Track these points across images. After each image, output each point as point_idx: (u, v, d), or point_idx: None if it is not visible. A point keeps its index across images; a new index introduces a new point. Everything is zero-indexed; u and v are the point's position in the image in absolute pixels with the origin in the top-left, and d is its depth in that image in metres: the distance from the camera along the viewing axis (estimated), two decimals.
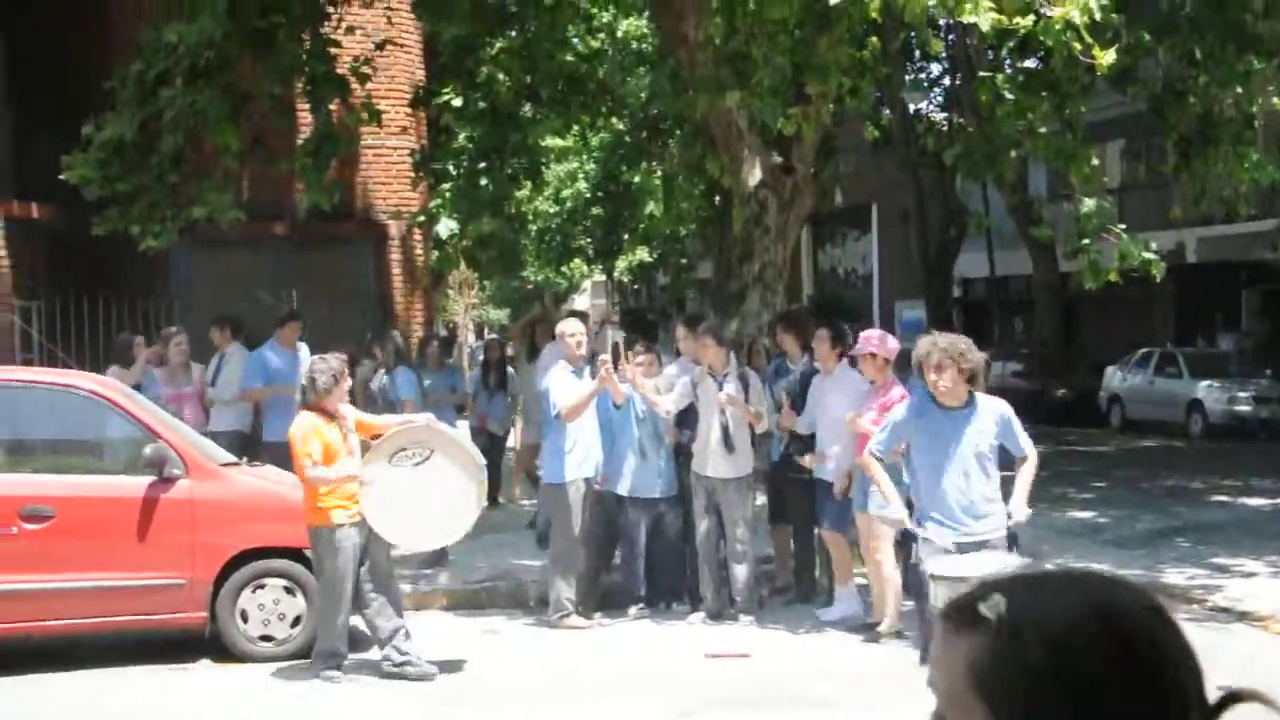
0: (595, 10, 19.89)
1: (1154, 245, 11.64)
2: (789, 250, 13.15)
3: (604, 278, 43.45)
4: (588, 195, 32.70)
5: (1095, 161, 12.25)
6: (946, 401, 6.23)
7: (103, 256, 14.23)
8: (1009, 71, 13.22)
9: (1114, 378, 25.24)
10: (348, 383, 7.93)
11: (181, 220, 11.89)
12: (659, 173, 26.28)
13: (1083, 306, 28.09)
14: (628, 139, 26.51)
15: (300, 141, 13.05)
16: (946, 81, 27.16)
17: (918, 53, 24.60)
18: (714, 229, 21.83)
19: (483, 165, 15.26)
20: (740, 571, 9.09)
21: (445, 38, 15.33)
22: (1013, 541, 6.36)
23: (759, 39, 10.56)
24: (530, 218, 31.08)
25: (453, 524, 7.78)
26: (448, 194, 15.59)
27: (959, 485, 6.19)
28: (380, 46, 13.87)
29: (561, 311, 19.44)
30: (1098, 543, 11.79)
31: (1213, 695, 1.16)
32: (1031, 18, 8.80)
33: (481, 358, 14.38)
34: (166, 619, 8.09)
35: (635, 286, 45.11)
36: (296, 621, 8.13)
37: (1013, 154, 13.65)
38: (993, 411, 6.33)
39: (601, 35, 21.63)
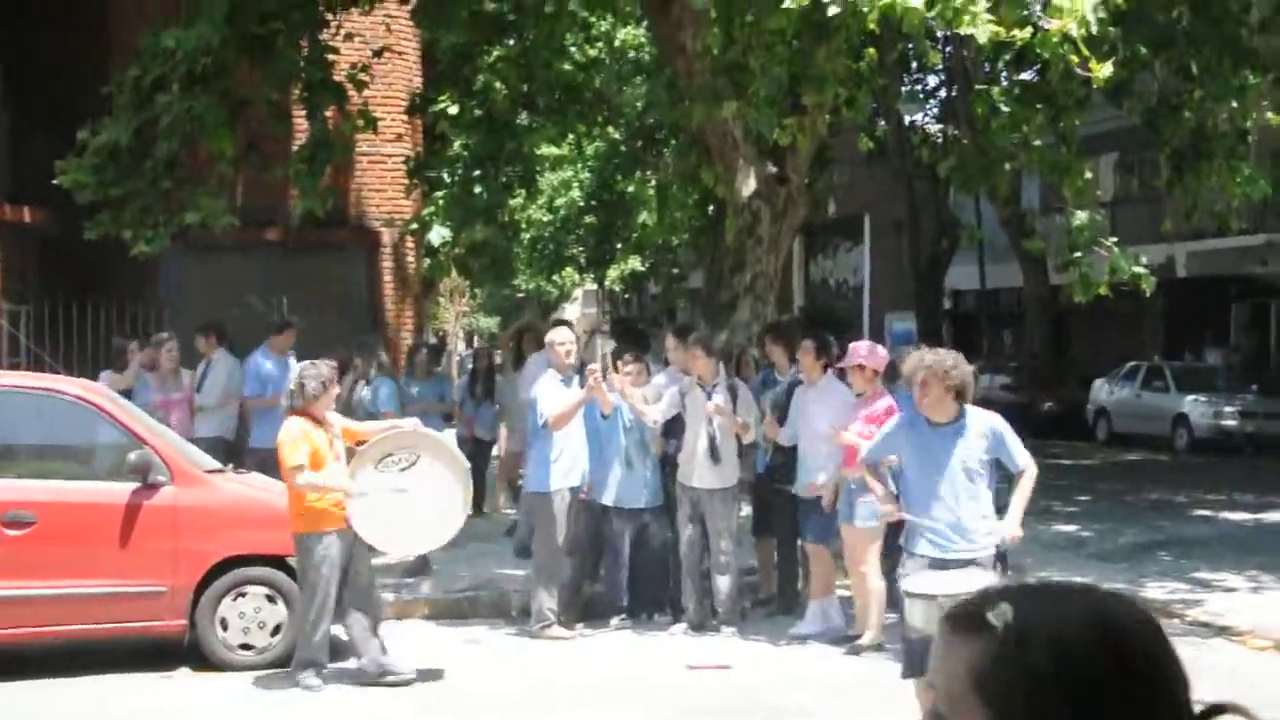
0: (593, 19, 19.90)
1: (1144, 259, 11.64)
2: (781, 261, 13.16)
3: (595, 287, 43.44)
4: (581, 204, 32.70)
5: (1089, 175, 12.26)
6: (934, 417, 6.18)
7: (94, 261, 14.20)
8: (1005, 84, 13.24)
9: (1101, 391, 25.27)
10: (336, 389, 7.91)
11: (174, 225, 11.87)
12: (653, 182, 26.29)
13: (1073, 320, 28.11)
14: (623, 148, 26.53)
15: (295, 148, 13.02)
16: (943, 93, 27.18)
17: (914, 64, 24.63)
18: (706, 239, 21.82)
19: (477, 173, 15.23)
20: (723, 583, 9.08)
21: (443, 45, 15.32)
22: (1001, 560, 6.29)
23: (756, 49, 10.55)
24: (523, 226, 31.06)
25: (440, 528, 7.78)
26: (441, 201, 15.56)
27: (947, 502, 6.13)
28: (378, 54, 13.87)
29: (550, 320, 19.43)
30: (1081, 556, 11.79)
31: (1196, 708, 1.22)
32: (1029, 30, 8.80)
33: (470, 366, 14.35)
34: (146, 626, 8.06)
35: (626, 296, 45.10)
36: (277, 630, 8.10)
37: (1006, 166, 13.66)
38: (983, 427, 6.23)
39: (599, 44, 21.64)
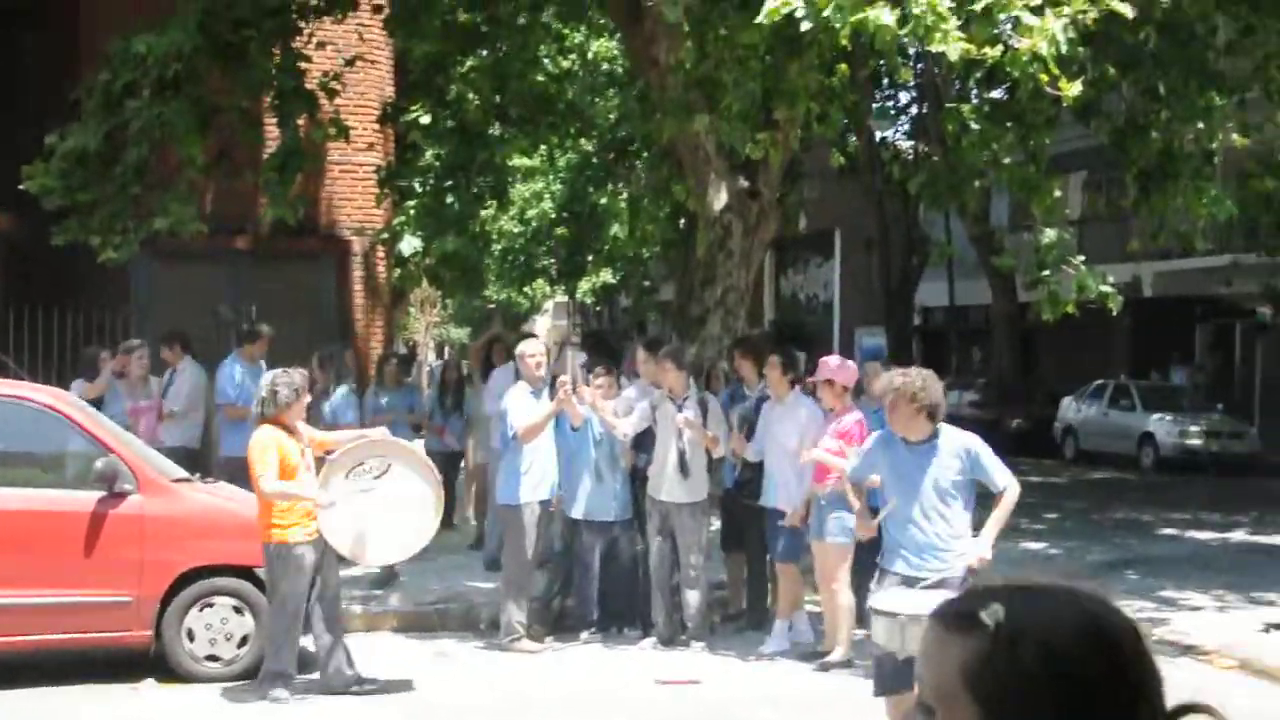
0: (566, 31, 19.92)
1: (1111, 278, 11.72)
2: (752, 275, 13.18)
3: (566, 298, 43.42)
4: (553, 216, 32.69)
5: (1058, 193, 12.35)
6: (908, 437, 6.18)
7: (61, 267, 14.08)
8: (976, 102, 13.32)
9: (1069, 409, 25.43)
10: (307, 398, 7.88)
11: (143, 232, 11.78)
12: (625, 195, 26.34)
13: (1041, 337, 28.33)
14: (595, 160, 26.57)
15: (266, 155, 12.97)
16: (914, 110, 27.36)
17: (886, 81, 24.79)
18: (678, 252, 21.86)
19: (449, 183, 15.22)
20: (692, 597, 9.08)
21: (416, 55, 15.30)
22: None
23: (729, 63, 10.59)
24: (495, 237, 31.02)
25: (413, 537, 7.76)
26: (412, 211, 15.54)
27: (918, 521, 6.12)
28: (350, 63, 13.84)
29: (519, 332, 19.39)
30: (1049, 574, 11.83)
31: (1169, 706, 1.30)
32: (999, 49, 8.86)
33: (438, 378, 14.31)
34: (112, 637, 7.98)
35: (597, 308, 45.10)
36: (244, 641, 8.04)
37: (976, 184, 13.75)
38: (957, 447, 6.18)
39: (572, 56, 21.67)
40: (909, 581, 5.99)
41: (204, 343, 13.87)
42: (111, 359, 11.39)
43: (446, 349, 43.47)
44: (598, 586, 9.41)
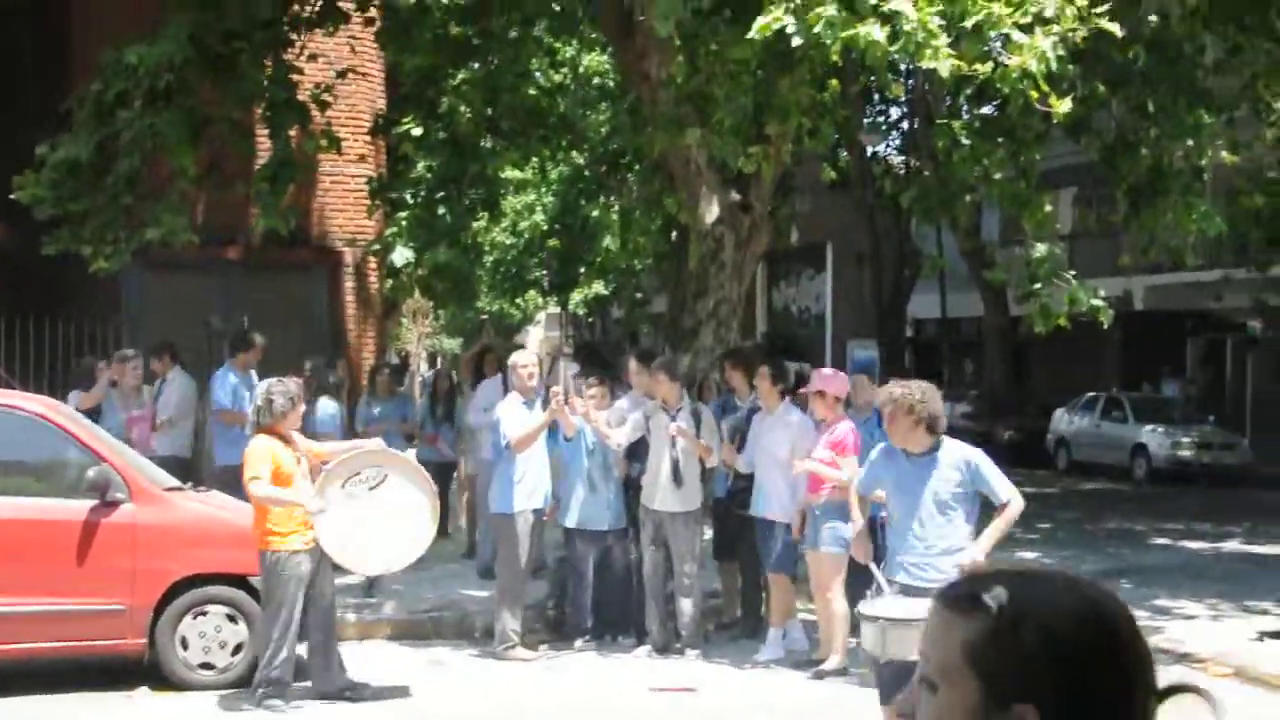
0: (558, 45, 19.97)
1: (1102, 292, 11.79)
2: (744, 287, 13.23)
3: (558, 310, 43.44)
4: (544, 228, 32.73)
5: (1049, 208, 12.42)
6: (908, 449, 6.22)
7: (53, 277, 14.07)
8: (966, 118, 13.41)
9: (1061, 420, 25.53)
10: (302, 407, 7.91)
11: (135, 242, 11.79)
12: (616, 207, 26.38)
13: (1032, 350, 28.41)
14: (586, 173, 26.61)
15: (258, 166, 12.99)
16: (905, 125, 27.46)
17: (877, 96, 24.89)
18: (670, 264, 21.89)
19: (440, 195, 15.24)
20: (686, 605, 9.10)
21: (407, 68, 15.34)
22: None
23: (720, 78, 10.64)
24: (487, 249, 31.05)
25: (408, 547, 7.78)
26: (404, 222, 15.56)
27: (918, 533, 6.15)
28: (342, 75, 13.86)
29: (511, 343, 19.42)
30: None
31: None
32: (990, 65, 8.93)
33: (430, 388, 14.33)
34: (105, 645, 7.97)
35: (590, 319, 45.14)
36: (238, 649, 8.03)
37: (968, 198, 13.83)
38: (957, 459, 6.17)
39: (564, 70, 21.72)
40: (909, 592, 6.00)
41: (195, 353, 13.87)
42: (108, 369, 11.41)
43: (439, 359, 43.46)
44: (592, 595, 9.43)
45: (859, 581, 8.39)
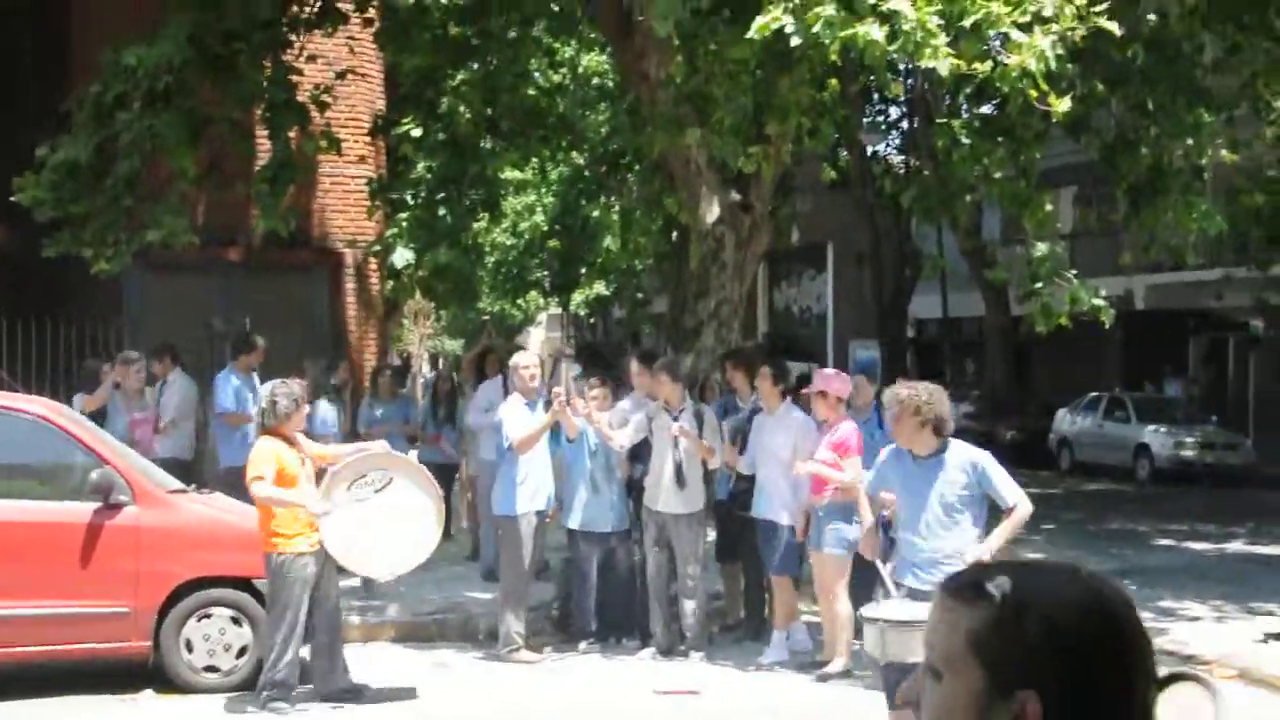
0: (557, 46, 19.96)
1: (1103, 291, 11.79)
2: (745, 287, 13.22)
3: (560, 310, 43.43)
4: (545, 228, 32.73)
5: (1049, 207, 12.41)
6: (914, 451, 6.21)
7: (53, 279, 14.07)
8: (966, 117, 13.40)
9: (1064, 421, 25.51)
10: (306, 408, 7.92)
11: (135, 243, 11.79)
12: (617, 207, 26.35)
13: (1034, 349, 28.39)
14: (586, 173, 26.60)
15: (258, 167, 12.99)
16: (904, 125, 27.45)
17: (876, 96, 24.88)
18: (671, 264, 21.87)
19: (440, 196, 15.24)
20: (690, 607, 9.09)
21: (407, 69, 15.33)
22: None
23: (719, 78, 10.64)
24: (487, 249, 31.03)
25: (414, 550, 7.80)
26: (404, 223, 15.56)
27: (925, 535, 6.13)
28: (341, 76, 13.86)
29: (512, 344, 19.41)
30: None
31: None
32: (989, 64, 8.92)
33: (431, 389, 14.33)
34: (110, 648, 7.97)
35: (591, 320, 45.13)
36: (242, 652, 8.03)
37: (968, 198, 13.82)
38: (964, 461, 6.13)
39: (563, 70, 21.71)
40: (916, 595, 5.98)
41: (197, 355, 13.88)
42: (112, 371, 11.42)
43: (441, 361, 43.54)
44: (596, 597, 9.43)
45: (864, 582, 8.42)
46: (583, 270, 33.79)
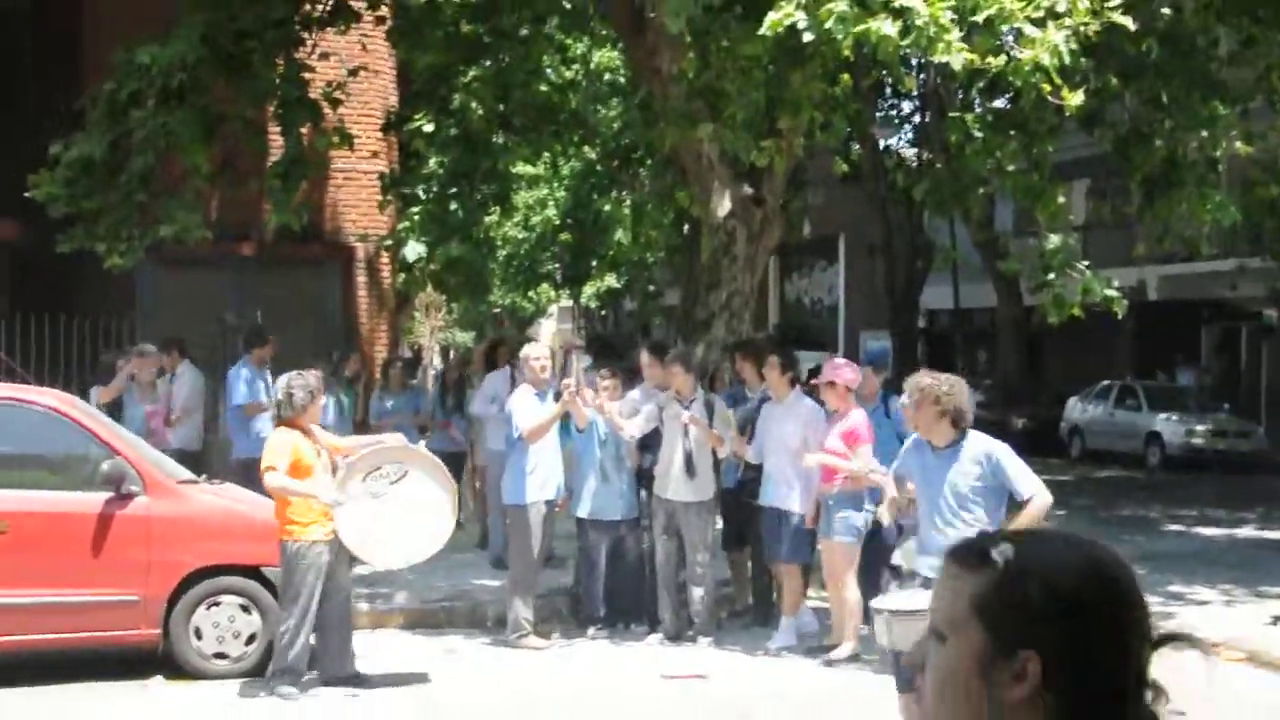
0: (569, 42, 19.97)
1: (1116, 282, 11.77)
2: (756, 280, 13.22)
3: (571, 303, 43.48)
4: (557, 222, 32.76)
5: (1061, 200, 12.38)
6: (932, 441, 6.23)
7: (66, 274, 14.15)
8: (979, 111, 13.37)
9: (1075, 409, 25.50)
10: (323, 399, 7.98)
11: (149, 239, 11.85)
12: (628, 201, 26.37)
13: (1046, 340, 28.37)
14: (598, 167, 26.60)
15: (270, 163, 13.04)
16: (917, 119, 27.41)
17: (889, 90, 24.84)
18: (682, 257, 21.92)
19: (452, 190, 15.27)
20: (698, 594, 9.14)
21: (419, 66, 15.36)
22: None
23: (732, 74, 10.64)
24: (499, 243, 31.07)
25: (428, 542, 7.87)
26: (416, 218, 15.60)
27: (940, 526, 6.15)
28: (354, 73, 13.89)
29: (524, 335, 19.45)
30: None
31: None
32: (1002, 58, 8.91)
33: (439, 379, 14.40)
34: (120, 636, 8.04)
35: (602, 312, 45.18)
36: (251, 639, 8.11)
37: (981, 191, 13.79)
38: (978, 452, 6.14)
39: (575, 66, 21.72)
40: (929, 585, 6.00)
41: (210, 349, 13.95)
42: (127, 363, 11.50)
43: (451, 353, 43.68)
44: (605, 584, 9.48)
45: (870, 570, 8.46)
46: (594, 263, 33.83)
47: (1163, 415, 23.44)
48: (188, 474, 8.75)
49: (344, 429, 10.86)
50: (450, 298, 27.75)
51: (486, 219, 18.82)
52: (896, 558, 7.38)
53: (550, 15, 15.65)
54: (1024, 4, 8.67)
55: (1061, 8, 8.76)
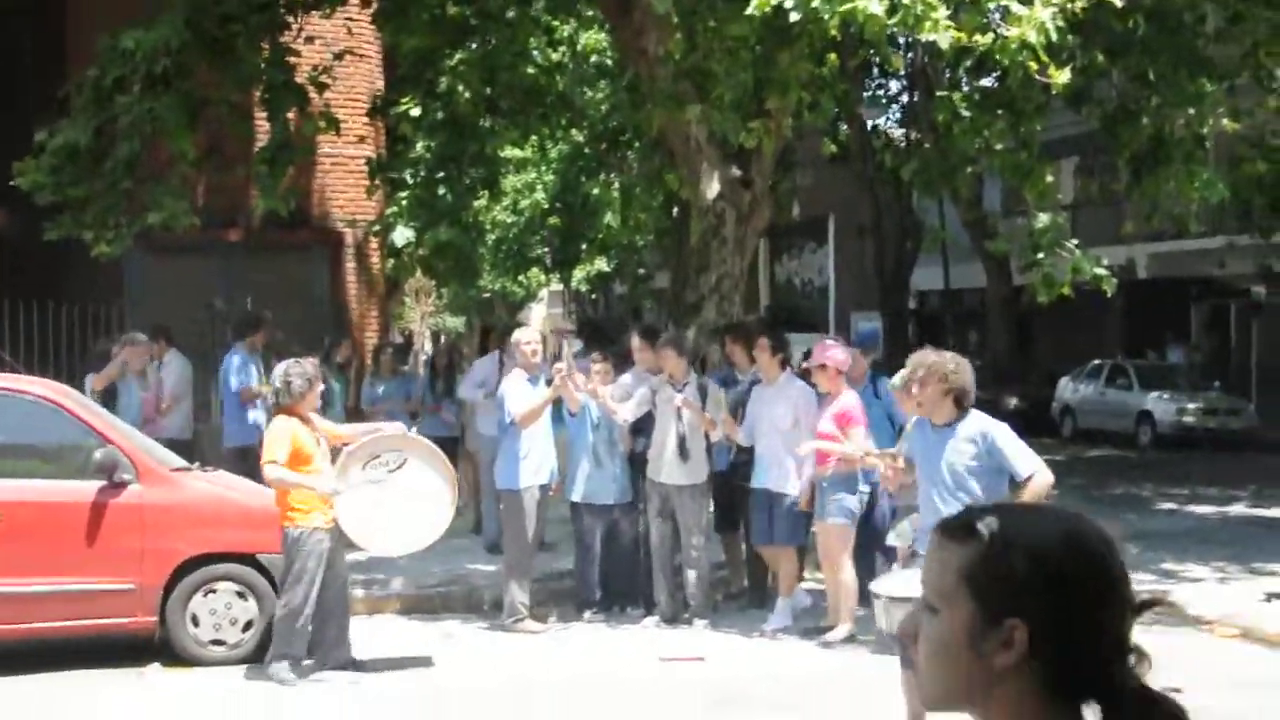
0: (556, 24, 19.90)
1: (1105, 260, 11.79)
2: (746, 262, 13.21)
3: (561, 287, 43.43)
4: (545, 206, 32.70)
5: (1050, 178, 12.39)
6: (932, 418, 6.24)
7: (54, 262, 14.10)
8: (966, 89, 13.36)
9: (1066, 388, 25.57)
10: (320, 387, 7.97)
11: (136, 226, 11.80)
12: (617, 184, 26.31)
13: (1036, 319, 28.42)
14: (586, 150, 26.53)
15: (257, 149, 12.99)
16: (904, 98, 27.40)
17: (876, 69, 24.82)
18: (671, 240, 21.88)
19: (440, 175, 15.23)
20: (694, 576, 9.17)
21: (405, 49, 15.29)
22: None
23: (719, 54, 10.62)
24: (488, 227, 30.99)
25: (427, 529, 7.88)
26: (404, 202, 15.55)
27: (937, 505, 6.15)
28: (339, 57, 13.83)
29: (514, 320, 19.44)
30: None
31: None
32: (989, 36, 8.91)
33: (429, 364, 14.40)
34: (117, 623, 8.04)
35: (593, 296, 45.14)
36: (248, 626, 8.11)
37: (969, 170, 13.79)
38: (974, 431, 6.13)
39: (562, 48, 21.63)
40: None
41: (198, 336, 13.91)
42: (121, 350, 11.49)
43: (442, 338, 43.63)
44: (600, 568, 9.50)
45: (865, 552, 8.49)
46: (583, 247, 33.77)
47: (1154, 394, 23.50)
48: (180, 461, 8.74)
49: (336, 415, 10.86)
50: (440, 283, 27.67)
51: (475, 203, 18.76)
52: (891, 539, 7.44)
53: None
54: None
55: None
